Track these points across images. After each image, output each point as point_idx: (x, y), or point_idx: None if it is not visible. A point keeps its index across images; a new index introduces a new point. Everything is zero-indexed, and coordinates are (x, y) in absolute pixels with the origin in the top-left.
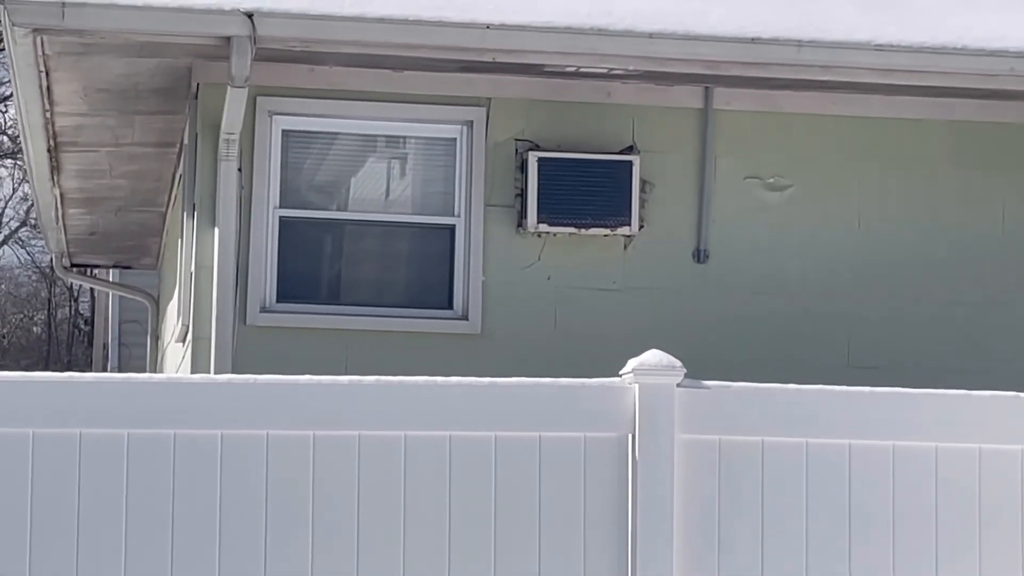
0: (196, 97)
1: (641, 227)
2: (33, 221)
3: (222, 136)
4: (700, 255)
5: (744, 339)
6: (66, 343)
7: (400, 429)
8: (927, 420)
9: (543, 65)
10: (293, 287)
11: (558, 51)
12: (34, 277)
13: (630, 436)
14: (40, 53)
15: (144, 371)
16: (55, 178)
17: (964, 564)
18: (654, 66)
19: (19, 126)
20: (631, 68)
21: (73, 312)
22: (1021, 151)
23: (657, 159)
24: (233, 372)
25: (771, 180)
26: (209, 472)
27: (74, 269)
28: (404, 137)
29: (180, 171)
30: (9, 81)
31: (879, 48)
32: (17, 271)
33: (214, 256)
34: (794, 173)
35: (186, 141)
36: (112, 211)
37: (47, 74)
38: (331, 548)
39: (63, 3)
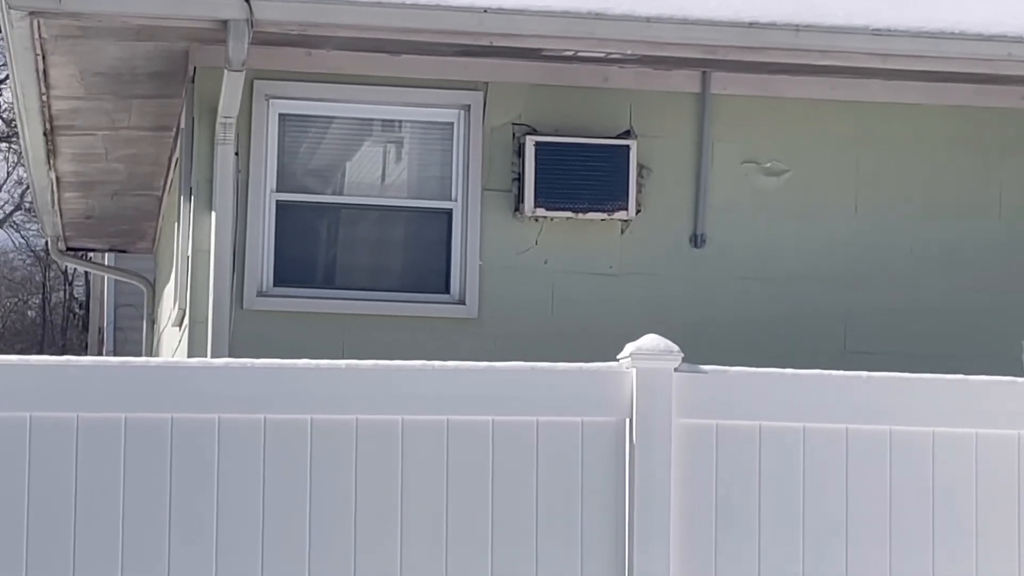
0: (193, 81)
1: (638, 212)
2: (28, 205)
3: (219, 120)
4: (697, 240)
5: (741, 323)
6: (61, 327)
7: (398, 413)
8: (924, 405)
9: (541, 49)
10: (290, 271)
11: (556, 35)
12: (28, 261)
13: (627, 421)
14: (37, 36)
15: (140, 355)
16: (51, 162)
17: (961, 548)
18: (652, 50)
19: (15, 109)
20: (629, 52)
21: (68, 296)
22: (1019, 136)
23: (654, 144)
24: (230, 356)
25: (768, 165)
26: (206, 456)
27: (70, 253)
28: (401, 121)
29: (177, 155)
30: (5, 64)
31: (877, 33)
32: (11, 255)
33: (211, 240)
34: (791, 158)
35: (183, 125)
36: (108, 195)
37: (44, 57)
38: (329, 531)
39: None
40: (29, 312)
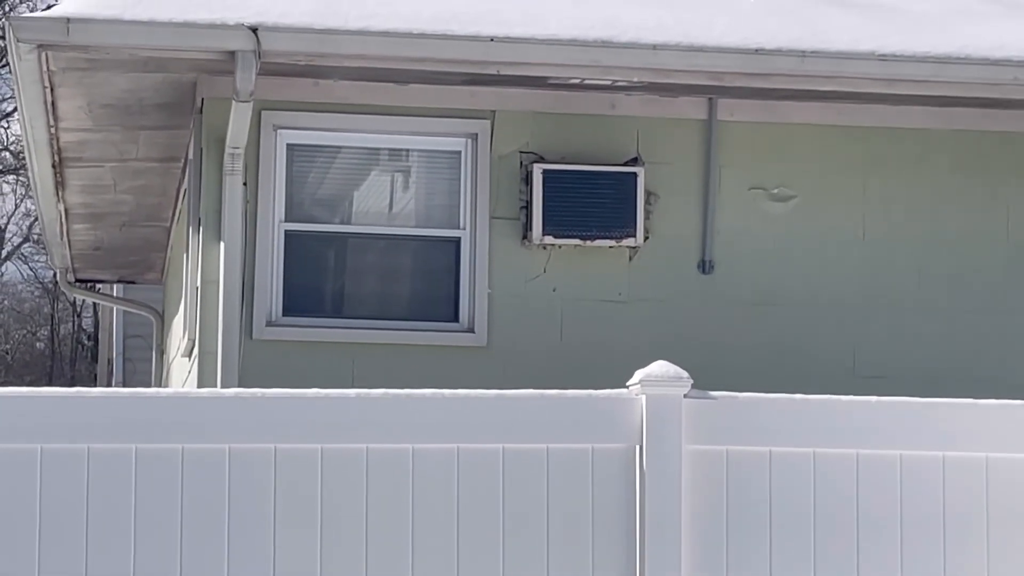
0: (201, 112)
1: (646, 238)
2: (36, 237)
3: (227, 150)
4: (705, 266)
5: (750, 349)
6: (70, 359)
7: (408, 442)
8: (934, 429)
9: (547, 77)
10: (299, 301)
11: (562, 63)
12: (37, 293)
13: (637, 447)
14: (45, 69)
15: (149, 386)
16: (60, 193)
17: (972, 574)
18: (658, 77)
19: (23, 142)
20: (635, 80)
21: (76, 328)
22: None
23: (662, 170)
24: (240, 386)
25: (775, 190)
26: (217, 486)
27: (78, 284)
28: (409, 150)
29: (185, 186)
30: (13, 97)
31: (883, 58)
32: (20, 287)
33: (220, 270)
34: (798, 183)
35: (191, 156)
36: (117, 226)
37: (52, 90)
38: (340, 560)
39: (68, 19)
40: (38, 344)
